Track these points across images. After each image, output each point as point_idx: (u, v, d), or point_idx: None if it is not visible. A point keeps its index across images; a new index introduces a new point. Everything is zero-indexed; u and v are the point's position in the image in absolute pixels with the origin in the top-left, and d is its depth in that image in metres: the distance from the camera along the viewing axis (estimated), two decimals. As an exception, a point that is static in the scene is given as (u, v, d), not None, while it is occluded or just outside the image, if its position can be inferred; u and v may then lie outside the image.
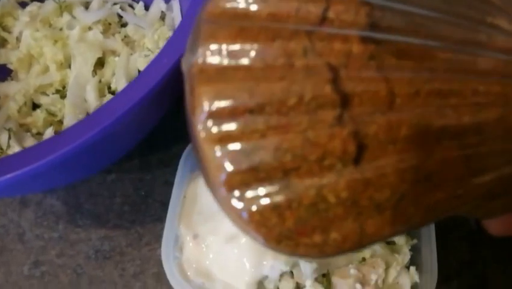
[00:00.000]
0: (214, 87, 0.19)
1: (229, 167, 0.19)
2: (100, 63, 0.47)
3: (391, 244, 0.39)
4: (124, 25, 0.48)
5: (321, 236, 0.19)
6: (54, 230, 0.44)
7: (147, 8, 0.48)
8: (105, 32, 0.49)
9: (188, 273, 0.36)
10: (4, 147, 0.40)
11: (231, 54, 0.19)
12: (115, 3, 0.51)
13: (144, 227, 0.44)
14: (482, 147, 0.19)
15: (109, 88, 0.44)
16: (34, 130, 0.43)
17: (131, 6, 0.52)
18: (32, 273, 0.42)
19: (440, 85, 0.18)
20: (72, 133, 0.31)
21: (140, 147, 0.43)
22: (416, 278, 0.38)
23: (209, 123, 0.19)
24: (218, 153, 0.19)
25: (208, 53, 0.20)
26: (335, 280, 0.37)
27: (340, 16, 0.19)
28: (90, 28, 0.49)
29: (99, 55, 0.45)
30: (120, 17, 0.51)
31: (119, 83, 0.42)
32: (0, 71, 0.47)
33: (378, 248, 0.38)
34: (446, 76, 0.18)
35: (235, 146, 0.19)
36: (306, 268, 0.36)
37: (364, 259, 0.38)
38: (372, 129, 0.18)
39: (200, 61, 0.20)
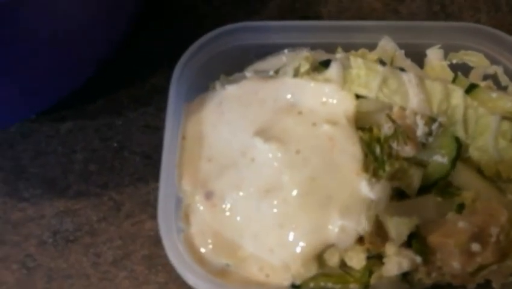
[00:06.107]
0: None
1: None
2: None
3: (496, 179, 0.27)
4: None
5: None
6: (-13, 209, 0.34)
7: None
8: None
9: (203, 251, 0.27)
10: None
11: None
12: None
13: (122, 192, 0.35)
14: None
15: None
16: None
17: None
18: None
19: None
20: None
21: (105, 79, 0.35)
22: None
23: None
24: None
25: None
26: (435, 240, 0.24)
27: None
28: None
29: None
30: None
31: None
32: None
33: (479, 184, 0.26)
34: None
35: None
36: (400, 227, 0.23)
37: (462, 207, 0.26)
38: None
39: None
